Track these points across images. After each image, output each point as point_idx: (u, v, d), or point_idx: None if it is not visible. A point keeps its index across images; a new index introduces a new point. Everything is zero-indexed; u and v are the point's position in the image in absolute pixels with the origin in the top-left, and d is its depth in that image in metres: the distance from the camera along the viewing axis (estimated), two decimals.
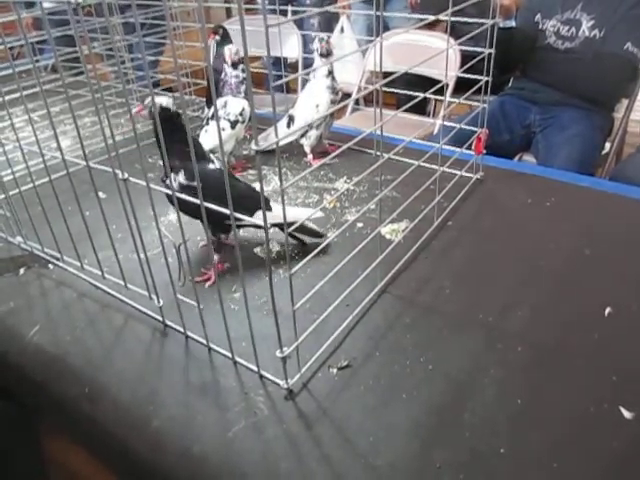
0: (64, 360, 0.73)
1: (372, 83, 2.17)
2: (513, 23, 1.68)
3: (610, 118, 1.85)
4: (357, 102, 2.18)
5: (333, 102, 1.17)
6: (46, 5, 2.42)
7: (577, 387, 0.64)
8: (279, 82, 0.52)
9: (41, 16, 0.60)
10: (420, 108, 2.29)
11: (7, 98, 0.84)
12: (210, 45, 1.45)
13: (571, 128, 1.73)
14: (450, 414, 0.62)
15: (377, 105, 0.98)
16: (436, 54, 0.87)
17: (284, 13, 2.49)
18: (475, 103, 1.08)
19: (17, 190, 0.90)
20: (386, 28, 2.21)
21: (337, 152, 0.66)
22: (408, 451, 0.58)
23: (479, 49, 0.97)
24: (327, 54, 1.15)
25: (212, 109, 1.17)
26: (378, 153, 1.23)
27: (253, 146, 0.49)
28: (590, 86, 1.73)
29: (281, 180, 0.54)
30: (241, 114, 1.14)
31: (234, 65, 1.12)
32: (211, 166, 0.84)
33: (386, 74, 1.28)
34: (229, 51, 1.12)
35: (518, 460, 0.57)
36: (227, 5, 3.46)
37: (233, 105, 1.14)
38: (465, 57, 1.76)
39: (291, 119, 1.22)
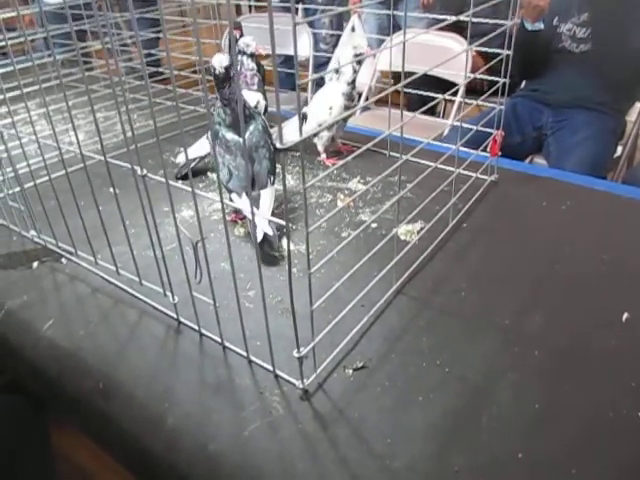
0: (78, 355, 0.73)
1: (383, 83, 2.17)
2: (542, 26, 1.66)
3: (622, 121, 1.84)
4: (367, 100, 2.17)
5: (347, 108, 1.17)
6: (52, 0, 2.41)
7: (595, 392, 0.64)
8: (310, 79, 0.51)
9: (65, 11, 0.59)
10: (430, 109, 2.29)
11: (13, 94, 0.84)
12: (223, 42, 1.45)
13: (583, 131, 1.72)
14: (467, 418, 0.61)
15: (392, 106, 0.98)
16: (455, 55, 0.86)
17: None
18: (491, 104, 1.08)
19: (32, 183, 0.89)
20: (398, 27, 2.19)
21: (357, 153, 0.65)
22: (425, 454, 0.57)
23: (497, 50, 0.97)
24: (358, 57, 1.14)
25: None
26: (392, 153, 1.22)
27: (278, 145, 0.49)
28: (604, 89, 1.72)
29: (304, 179, 0.53)
30: (256, 107, 1.14)
31: (252, 56, 1.12)
32: (232, 136, 0.93)
33: (398, 74, 1.27)
34: (255, 42, 1.11)
35: (536, 465, 0.56)
36: (237, 2, 3.47)
37: (248, 98, 1.14)
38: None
39: (304, 117, 1.22)
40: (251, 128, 0.94)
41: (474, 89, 1.90)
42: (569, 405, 0.63)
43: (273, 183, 0.96)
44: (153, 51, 1.43)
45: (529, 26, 1.66)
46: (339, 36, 2.62)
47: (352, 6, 2.51)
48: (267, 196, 0.94)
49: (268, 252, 0.89)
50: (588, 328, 0.74)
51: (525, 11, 1.60)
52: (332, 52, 2.60)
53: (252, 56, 1.12)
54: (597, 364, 0.68)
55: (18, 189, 0.93)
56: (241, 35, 1.23)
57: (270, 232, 0.88)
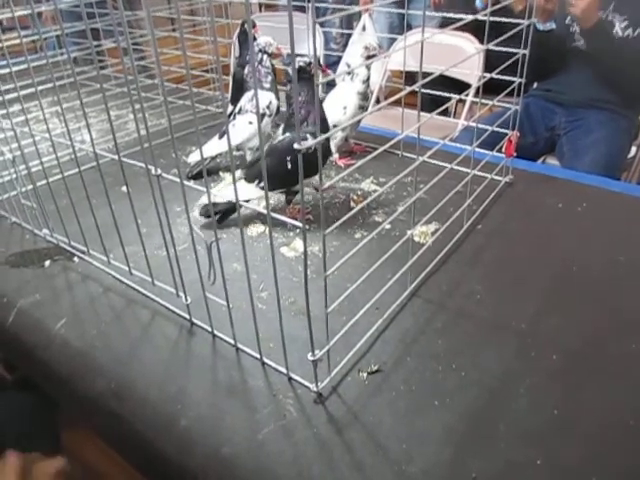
0: (90, 354, 0.73)
1: (393, 82, 2.15)
2: (553, 26, 1.65)
3: (636, 122, 1.82)
4: (378, 101, 2.16)
5: (362, 108, 1.16)
6: None
7: (615, 398, 0.63)
8: (325, 80, 0.50)
9: (80, 10, 0.59)
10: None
11: (26, 92, 0.84)
12: (234, 42, 1.45)
13: (597, 131, 1.71)
14: (484, 423, 0.60)
15: (405, 106, 0.97)
16: (470, 56, 0.85)
17: (302, 9, 2.48)
18: (505, 104, 1.06)
19: (45, 181, 0.89)
20: (409, 27, 2.18)
21: (373, 155, 0.64)
22: (442, 459, 0.56)
23: (513, 50, 0.95)
24: (369, 57, 1.13)
25: (238, 104, 1.16)
26: (405, 154, 1.21)
27: (296, 146, 0.48)
28: (619, 87, 1.70)
29: (321, 179, 0.53)
30: (268, 107, 1.13)
31: (270, 55, 1.12)
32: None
33: (409, 74, 1.26)
34: (275, 42, 1.12)
35: (555, 472, 0.55)
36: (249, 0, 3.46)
37: (260, 98, 1.13)
38: (490, 57, 1.74)
39: None
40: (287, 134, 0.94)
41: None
42: (588, 411, 0.61)
43: (258, 185, 0.96)
44: (166, 50, 1.42)
45: (540, 26, 1.64)
46: (349, 35, 2.61)
47: (363, 6, 2.50)
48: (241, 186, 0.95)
49: (202, 213, 0.99)
50: (606, 331, 0.73)
51: (535, 12, 1.59)
52: (342, 51, 2.59)
53: (270, 55, 1.12)
54: (617, 368, 0.67)
55: (31, 187, 0.93)
56: (246, 34, 1.23)
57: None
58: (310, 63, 0.90)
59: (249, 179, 0.97)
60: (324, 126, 0.94)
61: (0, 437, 0.94)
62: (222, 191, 1.03)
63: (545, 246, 0.91)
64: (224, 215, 0.98)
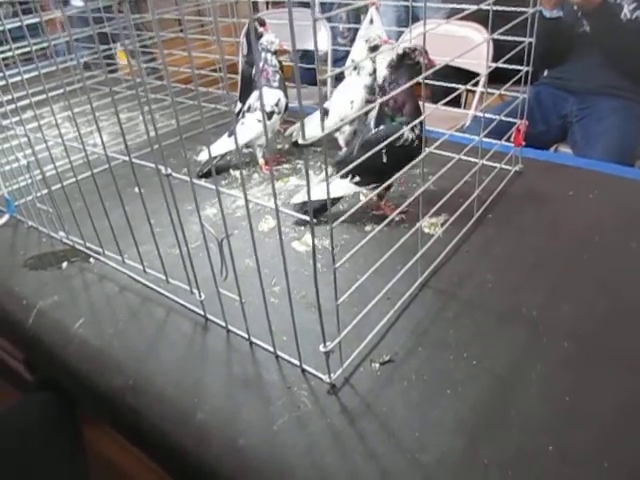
0: (108, 352, 0.74)
1: None
2: (560, 13, 1.63)
3: None
4: None
5: (369, 101, 1.16)
6: (78, 4, 2.44)
7: (627, 385, 0.63)
8: (331, 74, 0.51)
9: (88, 15, 0.60)
10: (453, 100, 2.26)
11: (38, 98, 0.86)
12: (242, 40, 1.46)
13: (609, 118, 1.69)
14: (496, 411, 0.61)
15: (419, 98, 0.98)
16: (476, 45, 0.85)
17: (309, 5, 2.47)
18: (513, 93, 1.06)
19: (59, 185, 0.91)
20: (416, 19, 2.17)
21: (381, 145, 0.65)
22: (454, 447, 0.57)
23: (518, 38, 0.95)
24: (376, 48, 1.14)
25: (247, 102, 1.18)
26: None
27: (300, 140, 0.49)
28: (630, 73, 1.68)
29: (327, 175, 0.53)
30: (277, 105, 1.14)
31: (274, 53, 1.13)
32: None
33: None
34: (278, 39, 1.13)
35: (567, 458, 0.55)
36: None
37: (268, 96, 1.14)
38: (498, 47, 1.73)
39: (326, 112, 1.21)
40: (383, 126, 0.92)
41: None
42: (599, 397, 0.62)
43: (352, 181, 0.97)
44: (175, 51, 1.44)
45: (547, 14, 1.63)
46: (357, 30, 2.60)
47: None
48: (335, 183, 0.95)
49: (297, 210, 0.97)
50: (617, 318, 0.73)
51: None
52: (350, 46, 2.59)
53: (275, 53, 1.13)
54: (629, 356, 0.67)
55: (46, 191, 0.95)
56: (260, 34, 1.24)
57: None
58: (415, 49, 0.84)
59: (343, 175, 0.93)
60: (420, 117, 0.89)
61: (25, 437, 0.97)
62: (315, 187, 1.00)
63: (556, 234, 0.91)
64: (319, 211, 0.94)
